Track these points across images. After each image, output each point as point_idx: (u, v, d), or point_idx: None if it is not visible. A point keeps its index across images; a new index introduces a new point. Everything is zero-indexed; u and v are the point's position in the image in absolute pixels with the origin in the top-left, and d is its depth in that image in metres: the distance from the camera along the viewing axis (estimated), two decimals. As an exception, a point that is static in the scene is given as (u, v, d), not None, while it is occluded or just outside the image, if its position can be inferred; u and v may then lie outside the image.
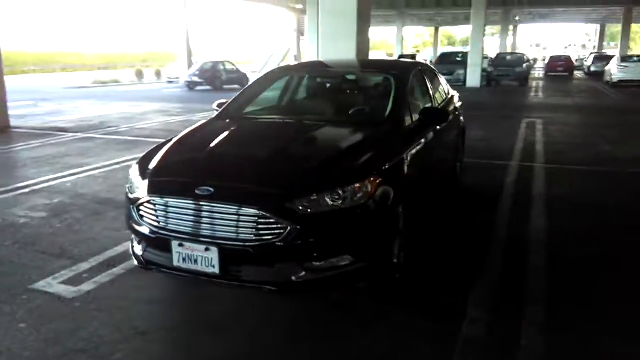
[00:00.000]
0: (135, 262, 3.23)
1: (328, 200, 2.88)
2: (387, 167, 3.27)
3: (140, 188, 3.14)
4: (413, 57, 36.90)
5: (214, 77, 23.17)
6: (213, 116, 4.28)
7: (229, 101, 4.47)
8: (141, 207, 3.09)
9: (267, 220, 2.78)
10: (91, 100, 18.03)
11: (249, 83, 4.92)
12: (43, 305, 3.24)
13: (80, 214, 5.05)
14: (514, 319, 3.02)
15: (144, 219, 3.08)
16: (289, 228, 2.77)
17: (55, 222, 4.81)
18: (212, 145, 3.46)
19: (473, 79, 23.34)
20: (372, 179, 3.03)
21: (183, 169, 3.25)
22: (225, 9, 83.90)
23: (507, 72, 24.03)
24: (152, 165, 3.28)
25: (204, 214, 2.87)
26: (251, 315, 3.13)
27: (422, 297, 3.35)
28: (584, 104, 16.47)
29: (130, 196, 3.21)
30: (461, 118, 5.90)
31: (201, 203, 2.87)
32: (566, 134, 10.16)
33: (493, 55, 29.35)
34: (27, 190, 5.97)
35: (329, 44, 7.70)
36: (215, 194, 2.87)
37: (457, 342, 2.79)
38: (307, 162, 3.16)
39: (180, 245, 2.92)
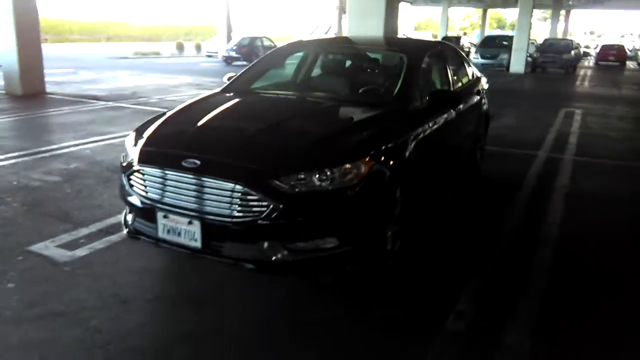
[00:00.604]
0: (125, 231, 3.23)
1: (315, 179, 2.77)
2: (383, 149, 3.12)
3: (132, 157, 3.12)
4: (457, 39, 35.94)
5: (250, 53, 23.14)
6: (218, 89, 4.22)
7: (238, 74, 4.39)
8: (131, 176, 3.07)
9: (250, 197, 2.71)
10: (129, 71, 18.33)
11: (259, 58, 4.79)
12: (35, 267, 3.29)
13: (92, 180, 5.12)
14: (502, 317, 2.88)
15: (134, 188, 3.06)
16: (271, 206, 2.69)
17: (66, 187, 4.89)
18: (207, 117, 3.39)
19: (517, 64, 22.51)
20: (364, 160, 2.90)
21: (174, 140, 3.19)
22: None
23: (553, 58, 23.05)
24: (146, 134, 3.25)
25: (189, 186, 2.82)
26: (235, 291, 3.09)
27: (411, 287, 3.23)
28: (630, 96, 15.64)
29: (123, 165, 3.20)
30: (484, 103, 5.63)
31: (187, 175, 2.82)
32: (604, 126, 9.66)
33: (541, 41, 28.23)
34: (47, 154, 6.10)
35: (357, 21, 7.51)
36: (201, 167, 2.81)
37: (436, 335, 2.68)
38: (298, 140, 3.05)
39: (165, 217, 2.89)
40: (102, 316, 2.76)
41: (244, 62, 23.24)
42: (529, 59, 23.01)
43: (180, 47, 31.08)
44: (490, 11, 60.71)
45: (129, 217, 3.22)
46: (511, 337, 2.67)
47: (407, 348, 2.59)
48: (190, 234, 2.83)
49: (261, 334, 2.67)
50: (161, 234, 2.94)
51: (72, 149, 6.40)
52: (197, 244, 2.83)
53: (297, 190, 2.75)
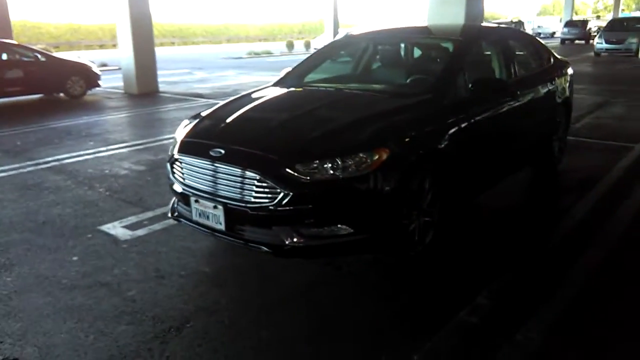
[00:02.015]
0: (170, 214, 3.56)
1: (328, 168, 2.86)
2: (405, 139, 3.11)
3: (176, 147, 3.43)
4: (584, 23, 33.05)
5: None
6: (270, 83, 4.43)
7: (292, 68, 4.57)
8: (174, 165, 3.38)
9: (264, 184, 2.86)
10: (238, 70, 19.44)
11: (312, 53, 4.94)
12: (99, 244, 3.75)
13: (171, 169, 5.63)
14: (520, 314, 2.73)
15: (175, 175, 3.37)
16: (283, 193, 2.82)
17: (147, 176, 5.44)
18: (243, 110, 3.61)
19: (648, 49, 20.18)
20: (379, 149, 2.92)
21: (207, 131, 3.44)
22: None
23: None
24: (189, 127, 3.55)
25: (215, 173, 3.05)
26: (262, 273, 3.27)
27: (435, 278, 3.17)
28: None
29: (169, 154, 3.52)
30: (564, 92, 5.22)
31: (214, 164, 3.05)
32: None
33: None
34: (141, 147, 6.80)
35: (436, 8, 7.33)
36: (225, 156, 3.02)
37: (445, 325, 2.63)
38: (315, 130, 3.14)
39: (196, 201, 3.16)
40: (139, 288, 3.10)
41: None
42: (665, 42, 20.50)
43: (290, 46, 32.20)
44: (627, -9, 54.86)
45: (174, 202, 3.55)
46: (522, 334, 2.54)
47: (414, 336, 2.58)
48: (216, 217, 3.06)
49: (268, 313, 2.82)
50: (194, 217, 3.22)
51: (164, 142, 7.04)
52: (222, 227, 3.05)
53: (309, 178, 2.85)
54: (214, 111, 3.77)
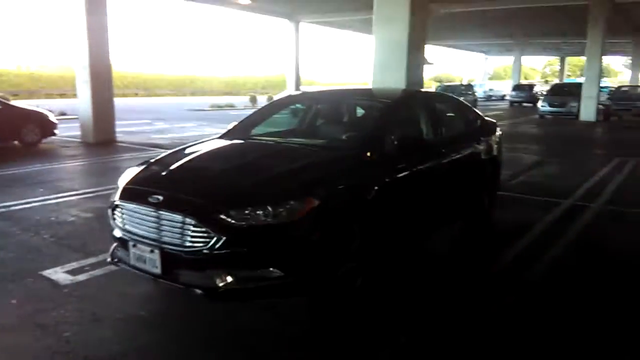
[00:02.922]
0: (109, 259, 3.69)
1: (260, 214, 3.09)
2: (332, 189, 3.40)
3: (117, 193, 3.61)
4: (530, 87, 35.27)
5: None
6: (217, 135, 4.71)
7: (239, 122, 4.88)
8: (115, 210, 3.55)
9: (199, 228, 3.07)
10: (199, 122, 19.74)
11: (260, 107, 5.29)
12: (40, 288, 3.82)
13: (120, 217, 5.73)
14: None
15: (116, 220, 3.54)
16: (215, 237, 3.03)
17: (93, 223, 5.53)
18: (186, 159, 3.85)
19: (587, 112, 21.67)
20: (308, 198, 3.19)
21: (148, 178, 3.65)
22: (328, 37, 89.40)
23: (626, 105, 21.96)
24: (131, 174, 3.75)
25: (152, 219, 3.23)
26: (195, 316, 3.41)
27: (361, 320, 3.39)
28: None
29: (110, 200, 3.69)
30: (493, 150, 5.70)
31: (150, 209, 3.24)
32: (656, 175, 9.16)
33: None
34: (92, 195, 6.87)
35: (381, 74, 7.89)
36: (163, 202, 3.22)
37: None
38: (250, 178, 3.40)
39: (134, 245, 3.32)
40: (75, 330, 3.19)
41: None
42: (601, 106, 22.10)
43: (253, 100, 32.94)
44: (572, 58, 59.00)
45: (113, 246, 3.68)
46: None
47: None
48: (152, 261, 3.22)
49: (190, 347, 2.96)
50: (132, 261, 3.37)
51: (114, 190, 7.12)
52: (158, 270, 3.21)
53: (242, 223, 3.07)
54: (156, 160, 3.99)
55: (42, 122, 11.94)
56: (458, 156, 4.85)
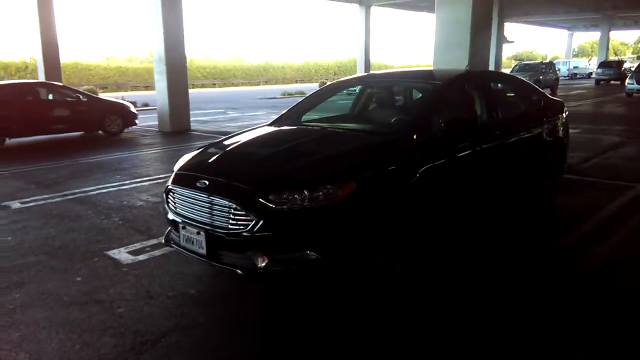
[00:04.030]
0: (164, 240, 3.90)
1: (298, 198, 3.14)
2: (372, 173, 3.38)
3: (170, 179, 3.81)
4: (619, 63, 32.69)
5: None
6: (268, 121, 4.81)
7: (289, 108, 4.95)
8: (168, 195, 3.75)
9: (239, 212, 3.17)
10: (269, 110, 20.18)
11: (311, 93, 5.32)
12: (103, 267, 4.12)
13: (183, 202, 6.03)
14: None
15: (169, 204, 3.73)
16: (254, 220, 3.12)
17: (160, 206, 5.84)
18: (234, 145, 3.98)
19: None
20: (346, 182, 3.20)
21: (198, 164, 3.81)
22: (400, 19, 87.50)
23: None
24: (184, 160, 3.94)
25: (199, 202, 3.39)
26: (242, 297, 3.55)
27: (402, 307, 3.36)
28: None
29: (166, 185, 3.90)
30: (557, 132, 5.37)
31: (198, 193, 3.40)
32: None
33: None
34: (162, 180, 7.27)
35: (442, 53, 7.65)
36: (208, 187, 3.36)
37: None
38: (290, 164, 3.46)
39: (184, 227, 3.49)
40: (128, 306, 3.42)
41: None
42: None
43: (322, 86, 33.20)
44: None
45: (169, 229, 3.89)
46: None
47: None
48: (199, 242, 3.38)
49: (239, 334, 3.08)
50: (182, 242, 3.55)
51: (183, 176, 7.49)
52: (204, 251, 3.36)
53: (281, 207, 3.14)
54: (208, 147, 4.16)
55: (123, 113, 12.72)
56: (515, 139, 4.64)
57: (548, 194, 5.33)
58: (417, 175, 3.60)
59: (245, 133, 4.43)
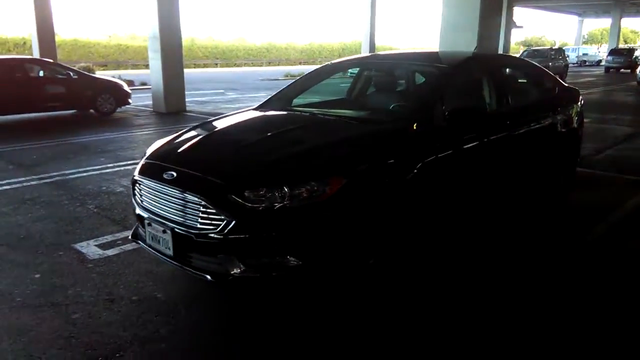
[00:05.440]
0: (130, 236, 3.50)
1: (276, 196, 2.73)
2: (363, 168, 2.95)
3: (137, 168, 3.39)
4: (630, 51, 31.92)
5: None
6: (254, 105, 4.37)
7: (278, 91, 4.51)
8: (134, 185, 3.34)
9: (209, 209, 2.76)
10: (271, 91, 19.53)
11: (304, 74, 4.87)
12: (67, 262, 3.73)
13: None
14: None
15: (135, 197, 3.32)
16: (226, 220, 2.71)
17: (140, 194, 5.44)
18: (212, 132, 3.55)
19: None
20: (331, 179, 2.78)
21: (168, 153, 3.38)
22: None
23: None
24: (152, 149, 3.51)
25: (165, 197, 2.98)
26: (213, 301, 3.15)
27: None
28: None
29: (132, 175, 3.48)
30: (572, 122, 4.92)
31: (164, 186, 2.98)
32: None
33: None
34: (146, 164, 6.85)
35: (450, 35, 7.16)
36: (176, 179, 2.95)
37: None
38: (270, 155, 3.02)
39: (149, 224, 3.09)
40: (85, 311, 3.03)
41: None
42: None
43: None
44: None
45: (137, 224, 3.49)
46: None
47: None
48: (165, 242, 2.98)
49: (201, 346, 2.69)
50: (148, 240, 3.15)
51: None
52: (170, 252, 2.96)
53: (256, 206, 2.73)
54: (183, 132, 3.73)
55: (116, 91, 12.25)
56: (526, 129, 4.20)
57: (561, 189, 4.90)
58: (415, 170, 3.17)
59: (227, 117, 3.99)
